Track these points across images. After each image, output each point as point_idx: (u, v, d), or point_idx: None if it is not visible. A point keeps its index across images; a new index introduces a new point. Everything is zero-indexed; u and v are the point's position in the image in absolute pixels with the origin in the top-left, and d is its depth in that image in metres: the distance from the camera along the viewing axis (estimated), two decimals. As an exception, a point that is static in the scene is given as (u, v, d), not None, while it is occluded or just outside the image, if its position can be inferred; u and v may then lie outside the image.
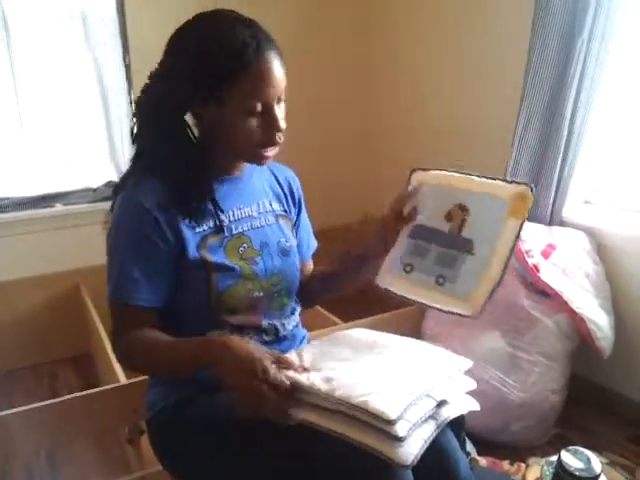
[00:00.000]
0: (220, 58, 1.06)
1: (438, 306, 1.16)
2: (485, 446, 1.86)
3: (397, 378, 1.02)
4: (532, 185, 1.11)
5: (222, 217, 1.19)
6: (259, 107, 1.10)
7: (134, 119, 1.17)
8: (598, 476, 1.10)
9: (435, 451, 1.03)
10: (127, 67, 2.66)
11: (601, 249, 2.14)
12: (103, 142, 2.76)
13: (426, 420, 1.00)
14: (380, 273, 1.23)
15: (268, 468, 1.08)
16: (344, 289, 1.40)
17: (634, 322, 2.11)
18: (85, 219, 2.64)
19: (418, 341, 1.23)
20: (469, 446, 1.74)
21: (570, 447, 1.17)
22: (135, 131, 1.18)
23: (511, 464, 1.80)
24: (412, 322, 2.24)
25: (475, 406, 1.11)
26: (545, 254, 2.00)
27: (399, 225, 1.22)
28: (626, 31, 1.97)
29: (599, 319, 1.96)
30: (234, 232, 1.20)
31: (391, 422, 0.91)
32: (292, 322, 1.31)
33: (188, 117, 1.17)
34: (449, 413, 1.05)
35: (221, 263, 1.16)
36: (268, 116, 1.12)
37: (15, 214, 2.61)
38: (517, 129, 2.15)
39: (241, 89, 1.07)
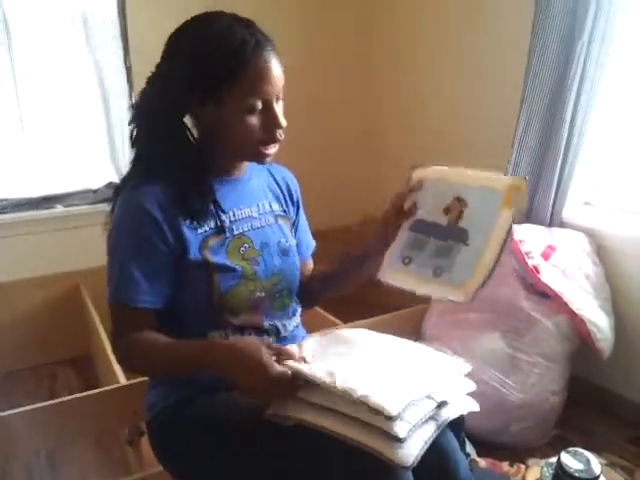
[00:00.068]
0: (219, 58, 1.07)
1: (435, 295, 1.19)
2: (485, 447, 1.86)
3: (398, 377, 1.03)
4: (526, 176, 1.14)
5: (223, 218, 1.19)
6: (259, 105, 1.10)
7: (133, 123, 1.18)
8: (597, 477, 1.11)
9: (435, 452, 1.03)
10: (128, 69, 2.67)
11: (601, 250, 2.14)
12: (103, 143, 2.76)
13: (426, 421, 1.00)
14: (382, 267, 1.25)
15: (268, 468, 1.08)
16: (344, 288, 1.40)
17: (634, 323, 2.11)
18: (85, 220, 2.65)
19: (417, 344, 1.23)
20: (469, 447, 1.74)
21: (570, 448, 1.17)
22: (134, 134, 1.18)
23: (511, 465, 1.80)
24: (412, 323, 2.24)
25: (475, 407, 1.11)
26: (545, 255, 2.00)
27: (400, 220, 1.23)
28: (626, 34, 1.98)
29: (599, 320, 1.96)
30: (235, 233, 1.21)
31: (391, 418, 0.91)
32: (293, 323, 1.32)
33: (187, 118, 1.18)
34: (449, 414, 1.05)
35: (223, 264, 1.16)
36: (268, 113, 1.12)
37: (16, 215, 2.61)
38: (517, 130, 2.16)
39: (241, 88, 1.08)
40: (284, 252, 1.28)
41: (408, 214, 1.22)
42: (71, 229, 2.69)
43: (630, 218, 2.15)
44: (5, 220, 2.59)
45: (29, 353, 2.70)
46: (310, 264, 1.46)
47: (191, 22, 1.13)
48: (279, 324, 1.27)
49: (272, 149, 1.17)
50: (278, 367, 1.00)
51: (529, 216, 2.23)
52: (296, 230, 1.39)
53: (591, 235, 2.15)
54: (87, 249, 2.13)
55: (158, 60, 1.16)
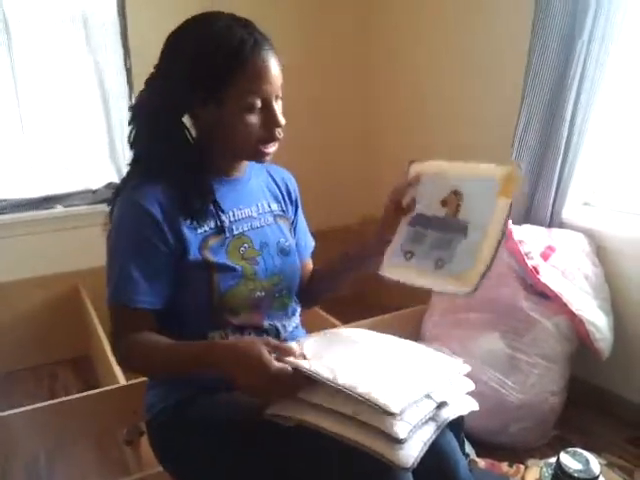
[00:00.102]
0: (218, 58, 1.07)
1: (437, 288, 1.20)
2: (484, 448, 1.86)
3: (399, 376, 1.03)
4: (520, 163, 1.14)
5: (223, 218, 1.19)
6: (258, 103, 1.11)
7: (132, 123, 1.18)
8: (597, 477, 1.10)
9: (435, 452, 1.03)
10: (128, 70, 2.67)
11: (600, 251, 2.14)
12: (103, 144, 2.76)
13: (426, 422, 1.00)
14: (383, 263, 1.26)
15: (268, 469, 1.08)
16: (344, 287, 1.41)
17: (633, 324, 2.11)
18: (85, 221, 2.65)
19: (417, 344, 1.23)
20: (468, 448, 1.74)
21: (569, 449, 1.17)
22: (133, 135, 1.18)
23: (510, 466, 1.80)
24: (412, 324, 2.25)
25: (474, 406, 1.11)
26: (544, 256, 2.01)
27: (399, 216, 1.24)
28: (626, 33, 1.98)
29: (598, 321, 1.96)
30: (235, 232, 1.21)
31: (393, 415, 0.92)
32: (293, 323, 1.32)
33: (185, 119, 1.18)
34: (449, 414, 1.05)
35: (223, 263, 1.16)
36: (267, 112, 1.13)
37: (15, 215, 2.62)
38: (517, 130, 2.16)
39: (240, 87, 1.08)
40: (283, 252, 1.28)
41: (407, 210, 1.23)
42: (71, 229, 2.69)
43: (629, 219, 2.15)
44: (5, 220, 2.59)
45: (29, 353, 2.70)
46: (310, 264, 1.46)
47: (190, 22, 1.13)
48: (279, 324, 1.27)
49: (271, 148, 1.17)
50: (277, 364, 1.00)
51: (528, 216, 2.23)
52: (295, 230, 1.40)
53: (590, 236, 2.15)
54: (87, 249, 2.13)
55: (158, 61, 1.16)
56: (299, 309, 1.36)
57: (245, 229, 1.23)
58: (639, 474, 1.85)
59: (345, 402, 0.97)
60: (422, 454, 0.95)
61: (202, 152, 1.19)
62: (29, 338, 2.69)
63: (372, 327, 1.30)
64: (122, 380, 1.78)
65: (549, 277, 1.94)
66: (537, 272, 1.93)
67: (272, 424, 1.03)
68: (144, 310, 1.13)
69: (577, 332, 1.96)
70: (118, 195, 1.18)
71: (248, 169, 1.29)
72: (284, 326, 1.28)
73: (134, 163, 1.20)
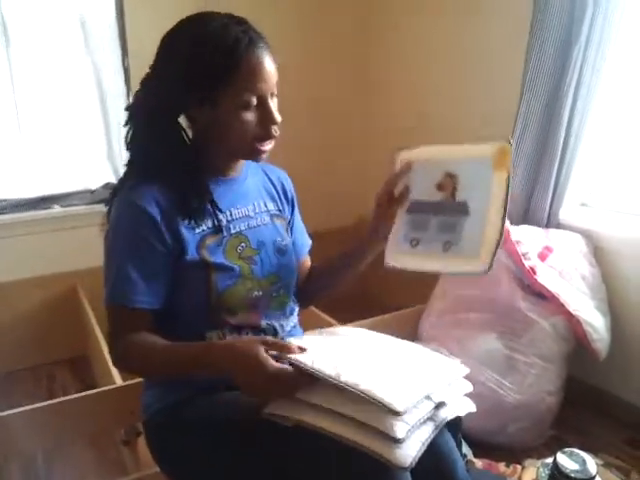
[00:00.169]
0: (213, 57, 1.07)
1: (449, 270, 1.22)
2: (481, 448, 1.87)
3: (400, 376, 1.03)
4: (510, 139, 1.16)
5: (220, 217, 1.19)
6: (254, 101, 1.11)
7: (128, 124, 1.18)
8: (593, 478, 1.11)
9: (432, 452, 1.03)
10: (126, 71, 2.67)
11: (597, 251, 2.14)
12: (101, 144, 2.76)
13: (424, 422, 1.00)
14: (387, 254, 1.27)
15: (266, 469, 1.08)
16: (342, 285, 1.41)
17: (630, 324, 2.11)
18: (83, 221, 2.65)
19: (415, 344, 1.23)
20: (465, 448, 1.74)
21: (566, 449, 1.18)
22: (129, 136, 1.18)
23: (507, 466, 1.81)
24: (410, 324, 2.25)
25: (472, 408, 1.12)
26: (542, 256, 2.01)
27: (393, 206, 1.25)
28: (623, 37, 1.98)
29: (595, 321, 1.96)
30: (232, 232, 1.21)
31: (398, 414, 0.92)
32: (290, 323, 1.32)
33: (182, 119, 1.18)
34: (447, 414, 1.05)
35: (220, 263, 1.16)
36: (263, 109, 1.13)
37: (13, 215, 2.61)
38: (515, 131, 2.16)
39: (235, 85, 1.08)
40: (280, 251, 1.28)
41: (400, 198, 1.24)
42: (69, 229, 2.69)
43: (627, 219, 2.16)
44: (3, 220, 2.58)
45: (28, 353, 2.70)
46: (307, 262, 1.47)
47: (184, 22, 1.13)
48: (276, 324, 1.27)
49: (268, 145, 1.18)
50: (275, 364, 1.00)
51: (526, 217, 2.23)
52: (292, 229, 1.40)
53: (588, 236, 2.15)
54: (85, 249, 2.13)
55: (155, 61, 1.16)
56: (297, 308, 1.37)
57: (242, 228, 1.23)
58: (636, 474, 1.85)
59: (344, 402, 0.98)
60: (420, 454, 0.95)
61: (198, 152, 1.19)
62: (27, 338, 2.68)
63: (370, 327, 1.30)
64: (119, 380, 1.78)
65: (546, 278, 1.94)
66: (534, 273, 1.94)
67: (270, 424, 1.03)
68: (142, 310, 1.13)
69: (574, 332, 1.97)
70: (115, 195, 1.18)
71: (244, 169, 1.29)
72: (282, 326, 1.28)
73: (131, 164, 1.21)
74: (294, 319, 1.34)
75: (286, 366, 1.01)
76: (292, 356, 1.02)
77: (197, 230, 1.16)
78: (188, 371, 1.12)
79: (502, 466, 1.81)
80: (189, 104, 1.13)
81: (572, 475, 1.11)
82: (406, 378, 1.03)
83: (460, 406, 1.10)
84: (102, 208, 1.24)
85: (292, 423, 1.02)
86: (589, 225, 2.18)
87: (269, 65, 1.12)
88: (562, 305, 1.92)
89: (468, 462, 1.72)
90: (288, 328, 1.30)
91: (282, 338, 1.27)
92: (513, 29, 2.27)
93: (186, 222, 1.15)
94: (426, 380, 1.04)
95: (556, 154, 2.10)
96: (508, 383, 1.93)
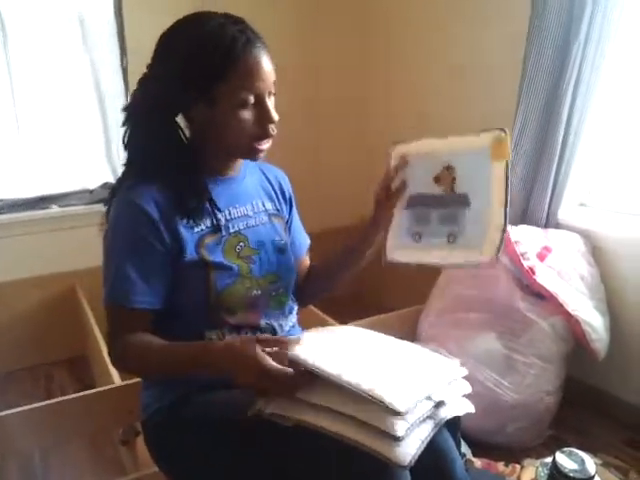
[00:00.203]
0: (210, 56, 1.07)
1: (455, 262, 1.21)
2: (480, 447, 1.87)
3: (401, 376, 1.03)
4: (504, 128, 1.15)
5: (219, 216, 1.19)
6: (251, 99, 1.11)
7: (125, 124, 1.18)
8: (592, 477, 1.11)
9: (432, 451, 1.03)
10: (124, 69, 2.67)
11: (596, 251, 2.14)
12: (100, 143, 2.76)
13: (424, 420, 1.00)
14: (388, 250, 1.27)
15: (265, 468, 1.08)
16: (341, 284, 1.41)
17: (629, 324, 2.11)
18: (82, 221, 2.65)
19: (414, 344, 1.23)
20: (464, 447, 1.74)
21: (565, 448, 1.18)
22: (127, 136, 1.18)
23: (506, 465, 1.81)
24: (408, 324, 2.25)
25: (470, 409, 1.12)
26: (541, 256, 2.01)
27: (391, 201, 1.25)
28: (622, 36, 1.98)
29: (594, 321, 1.96)
30: (231, 231, 1.21)
31: (399, 414, 0.92)
32: (290, 322, 1.32)
33: (179, 119, 1.18)
34: (446, 413, 1.05)
35: (219, 262, 1.16)
36: (260, 108, 1.13)
37: (12, 215, 2.61)
38: (513, 132, 2.16)
39: (232, 84, 1.08)
40: (279, 250, 1.28)
41: (397, 193, 1.24)
42: (67, 229, 2.69)
43: (625, 219, 2.16)
44: (1, 220, 2.58)
45: (26, 353, 2.70)
46: (306, 260, 1.47)
47: (182, 22, 1.13)
48: (275, 324, 1.27)
49: (265, 144, 1.17)
50: (273, 362, 1.00)
51: (525, 217, 2.23)
52: (290, 228, 1.40)
53: (586, 236, 2.15)
54: (83, 249, 2.12)
55: (153, 61, 1.16)
56: (296, 308, 1.37)
57: (241, 227, 1.23)
58: (634, 474, 1.85)
59: (344, 401, 0.98)
60: (420, 452, 0.95)
61: (196, 152, 1.19)
62: (26, 338, 2.68)
63: (369, 327, 1.30)
64: (117, 380, 1.78)
65: (545, 278, 1.94)
66: (533, 273, 1.94)
67: (270, 423, 1.03)
68: (141, 310, 1.13)
69: (573, 332, 1.97)
70: (114, 195, 1.18)
71: (242, 168, 1.29)
72: (281, 325, 1.28)
73: (129, 164, 1.21)
74: (293, 318, 1.34)
75: (281, 366, 1.01)
76: (294, 355, 1.02)
77: (196, 229, 1.16)
78: (187, 371, 1.12)
79: (501, 465, 1.81)
80: (186, 103, 1.13)
81: (571, 475, 1.11)
82: (407, 378, 1.03)
83: (459, 406, 1.10)
84: (101, 208, 1.24)
85: (292, 423, 1.02)
86: (588, 225, 2.18)
87: (266, 64, 1.12)
88: (561, 305, 1.92)
89: (467, 461, 1.73)
90: (287, 328, 1.30)
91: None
92: (512, 28, 2.26)
93: (185, 221, 1.14)
94: (426, 380, 1.04)
95: (555, 153, 2.10)
96: (507, 383, 1.93)
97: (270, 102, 1.15)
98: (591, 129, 2.11)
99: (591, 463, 1.13)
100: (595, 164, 2.25)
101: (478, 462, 1.80)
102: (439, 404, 1.04)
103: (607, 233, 2.15)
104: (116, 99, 2.68)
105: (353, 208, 3.24)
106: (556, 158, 2.11)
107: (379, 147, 3.24)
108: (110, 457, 2.03)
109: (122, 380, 1.76)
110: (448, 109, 2.72)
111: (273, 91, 1.15)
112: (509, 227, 2.01)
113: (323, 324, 2.23)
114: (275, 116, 1.15)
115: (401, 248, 1.25)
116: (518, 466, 1.80)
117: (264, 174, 1.37)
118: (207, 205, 1.18)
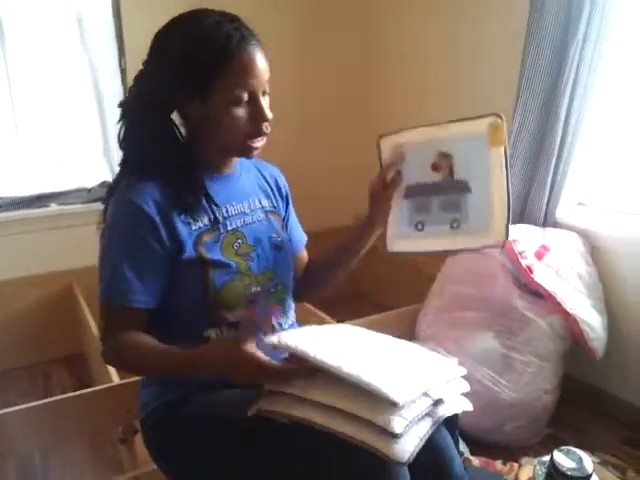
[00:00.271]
0: (204, 54, 1.07)
1: (461, 247, 1.23)
2: (478, 446, 1.87)
3: (399, 370, 1.03)
4: (500, 113, 1.15)
5: (217, 214, 1.19)
6: (245, 97, 1.11)
7: (121, 120, 1.18)
8: (590, 476, 1.11)
9: (430, 448, 1.03)
10: (122, 69, 2.67)
11: (594, 250, 2.15)
12: (98, 142, 2.76)
13: (422, 418, 1.00)
14: (388, 241, 1.27)
15: (264, 467, 1.08)
16: (341, 275, 1.41)
17: (627, 323, 2.12)
18: (79, 219, 2.64)
19: (412, 343, 1.23)
20: (462, 446, 1.74)
21: (562, 447, 1.18)
22: (122, 134, 1.18)
23: (504, 464, 1.81)
24: (407, 323, 2.25)
25: (469, 407, 1.12)
26: (539, 255, 2.01)
27: (387, 191, 1.25)
28: (620, 36, 1.99)
29: (592, 320, 1.97)
30: (229, 228, 1.21)
31: (393, 409, 0.92)
32: (289, 321, 1.32)
33: (175, 117, 1.18)
34: (444, 411, 1.06)
35: (218, 260, 1.16)
36: (254, 105, 1.13)
37: (9, 214, 2.61)
38: (512, 131, 2.16)
39: (226, 81, 1.08)
40: (276, 248, 1.28)
41: (393, 183, 1.24)
42: (65, 228, 2.69)
43: (623, 219, 2.16)
44: (-1, 219, 2.58)
45: (24, 352, 2.69)
46: (305, 256, 1.47)
47: (178, 19, 1.14)
48: (274, 323, 1.27)
49: (258, 142, 1.17)
50: (261, 354, 1.00)
51: (523, 216, 2.24)
52: (287, 225, 1.41)
53: (584, 235, 2.16)
54: (81, 248, 2.12)
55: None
56: (294, 305, 1.37)
57: (238, 225, 1.23)
58: (632, 472, 1.86)
59: (342, 397, 0.98)
60: (418, 449, 0.96)
61: (192, 149, 1.19)
62: (23, 337, 2.68)
63: (367, 326, 1.30)
64: (116, 378, 1.78)
65: (543, 276, 1.95)
66: (531, 271, 1.94)
67: (270, 423, 1.03)
68: (136, 309, 1.12)
69: (571, 331, 1.97)
70: (112, 194, 1.18)
71: (239, 166, 1.29)
72: (280, 324, 1.28)
73: (125, 162, 1.21)
74: (292, 316, 1.34)
75: (275, 362, 1.01)
76: (296, 346, 1.02)
77: (194, 227, 1.16)
78: (184, 372, 1.12)
79: (499, 464, 1.81)
80: (181, 100, 1.13)
81: (569, 473, 1.11)
82: (406, 373, 1.03)
83: (457, 404, 1.10)
84: (98, 206, 1.24)
85: (289, 420, 1.02)
86: (586, 224, 2.19)
87: (261, 62, 1.12)
88: (559, 304, 1.92)
89: (465, 460, 1.73)
90: (286, 326, 1.30)
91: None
92: (510, 28, 2.27)
93: (182, 217, 1.14)
94: (425, 376, 1.04)
95: (553, 153, 2.10)
96: (505, 381, 1.93)
97: (264, 100, 1.15)
98: (589, 129, 2.11)
99: (589, 461, 1.13)
100: (593, 163, 2.25)
101: (476, 460, 1.81)
102: (437, 402, 1.04)
103: (605, 232, 2.15)
104: (114, 99, 2.67)
105: (352, 208, 3.24)
106: (554, 157, 2.11)
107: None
108: (109, 456, 2.03)
109: (120, 379, 1.76)
110: (447, 108, 2.71)
111: (267, 90, 1.15)
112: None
113: (321, 323, 2.21)
114: (269, 114, 1.15)
115: (403, 238, 1.26)
116: (516, 464, 1.80)
117: (260, 172, 1.37)
118: (204, 202, 1.18)
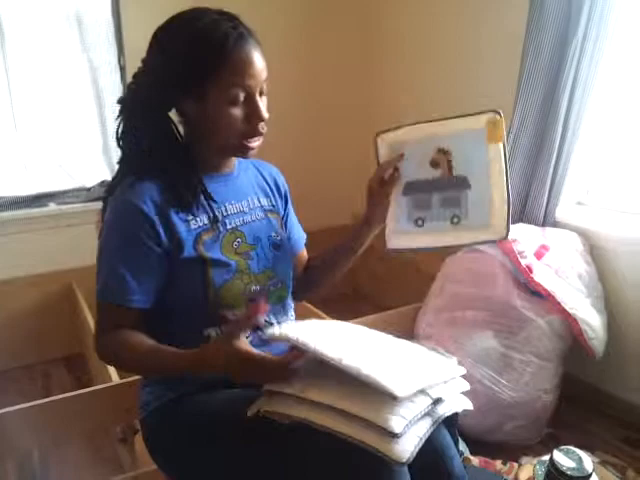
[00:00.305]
0: (202, 52, 1.07)
1: (465, 242, 1.24)
2: (478, 446, 1.87)
3: (400, 366, 1.04)
4: (498, 110, 1.16)
5: (216, 212, 1.19)
6: (241, 97, 1.11)
7: (118, 118, 1.18)
8: (590, 475, 1.11)
9: (429, 448, 1.04)
10: (122, 68, 2.67)
11: (594, 250, 2.15)
12: (97, 142, 2.76)
13: (422, 417, 1.00)
14: (388, 238, 1.27)
15: (263, 467, 1.08)
16: (341, 272, 1.42)
17: (626, 323, 2.12)
18: (79, 218, 2.64)
19: (411, 342, 1.23)
20: (462, 445, 1.74)
21: (562, 446, 1.17)
22: (120, 130, 1.18)
23: (503, 463, 1.81)
24: (406, 322, 2.25)
25: (469, 405, 1.12)
26: (538, 255, 2.01)
27: (385, 189, 1.26)
28: (620, 33, 1.99)
29: (591, 319, 1.97)
30: (228, 227, 1.21)
31: (392, 406, 0.93)
32: (289, 319, 1.32)
33: (174, 116, 1.18)
34: (444, 410, 1.06)
35: (217, 258, 1.16)
36: (251, 105, 1.12)
37: (9, 213, 2.60)
38: (511, 130, 2.16)
39: (223, 79, 1.08)
40: (276, 246, 1.28)
41: (391, 181, 1.25)
42: (64, 227, 2.68)
43: (622, 218, 2.16)
44: (-2, 218, 2.58)
45: (23, 351, 2.69)
46: (304, 255, 1.47)
47: (176, 17, 1.13)
48: (274, 321, 1.27)
49: (255, 142, 1.17)
50: (253, 349, 1.01)
51: (522, 215, 2.24)
52: (286, 224, 1.41)
53: (584, 235, 2.16)
54: (80, 247, 2.12)
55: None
56: (293, 305, 1.37)
57: (238, 224, 1.23)
58: (632, 472, 1.85)
59: (342, 398, 0.98)
60: (418, 449, 0.95)
61: (190, 148, 1.19)
62: (23, 336, 2.68)
63: (367, 326, 1.30)
64: (116, 378, 1.78)
65: (543, 276, 1.95)
66: (531, 271, 1.94)
67: (270, 423, 1.03)
68: (131, 308, 1.12)
69: (571, 331, 1.97)
70: (110, 193, 1.18)
71: (237, 165, 1.29)
72: (279, 323, 1.28)
73: (123, 161, 1.21)
74: (292, 315, 1.34)
75: (271, 356, 1.02)
76: (297, 338, 1.02)
77: (193, 226, 1.16)
78: (176, 371, 1.12)
79: (499, 464, 1.81)
80: (179, 98, 1.13)
81: (568, 473, 1.11)
82: (406, 369, 1.03)
83: (457, 403, 1.10)
84: (98, 206, 1.24)
85: (289, 420, 1.01)
86: (585, 224, 2.19)
87: (258, 61, 1.11)
88: (558, 303, 1.92)
89: (465, 459, 1.73)
90: (286, 325, 1.30)
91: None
92: (510, 26, 2.27)
93: (182, 216, 1.14)
94: (424, 374, 1.04)
95: (553, 152, 2.10)
96: (504, 381, 1.93)
97: (261, 100, 1.14)
98: (589, 127, 2.11)
99: (589, 461, 1.13)
100: (593, 163, 2.25)
101: (476, 460, 1.80)
102: (437, 401, 1.04)
103: (605, 232, 2.15)
104: (113, 97, 2.65)
105: (350, 207, 3.25)
106: (554, 156, 2.11)
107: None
108: (108, 455, 2.02)
109: (120, 378, 1.76)
110: (447, 108, 2.70)
111: (264, 90, 1.15)
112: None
113: (321, 322, 2.22)
114: (265, 114, 1.14)
115: (403, 234, 1.26)
116: (516, 464, 1.80)
117: (259, 171, 1.37)
118: (203, 201, 1.18)
